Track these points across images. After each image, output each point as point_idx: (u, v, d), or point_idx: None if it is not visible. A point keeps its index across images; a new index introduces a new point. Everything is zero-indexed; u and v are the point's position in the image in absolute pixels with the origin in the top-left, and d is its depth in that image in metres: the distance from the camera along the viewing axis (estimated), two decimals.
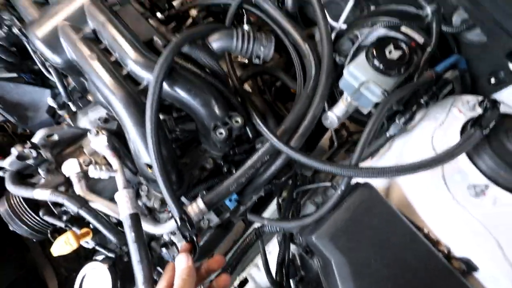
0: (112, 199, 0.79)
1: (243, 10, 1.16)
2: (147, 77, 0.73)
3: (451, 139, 0.71)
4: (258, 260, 0.96)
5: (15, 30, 0.92)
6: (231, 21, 1.12)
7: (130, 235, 0.62)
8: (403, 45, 0.78)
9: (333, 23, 1.15)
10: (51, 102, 1.09)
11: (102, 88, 0.73)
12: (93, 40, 0.79)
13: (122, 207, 0.65)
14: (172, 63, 0.71)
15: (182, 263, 0.61)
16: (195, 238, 0.65)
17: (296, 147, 0.83)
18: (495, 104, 0.67)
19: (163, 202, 0.88)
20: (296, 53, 1.08)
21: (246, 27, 1.10)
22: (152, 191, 0.89)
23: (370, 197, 0.65)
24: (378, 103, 0.80)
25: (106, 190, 0.86)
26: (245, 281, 1.10)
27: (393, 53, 0.77)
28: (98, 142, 0.79)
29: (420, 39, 0.86)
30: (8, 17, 0.90)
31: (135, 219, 0.65)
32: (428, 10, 0.81)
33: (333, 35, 1.14)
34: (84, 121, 1.07)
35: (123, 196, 0.68)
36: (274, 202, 1.24)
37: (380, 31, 0.88)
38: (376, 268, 0.60)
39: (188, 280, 0.58)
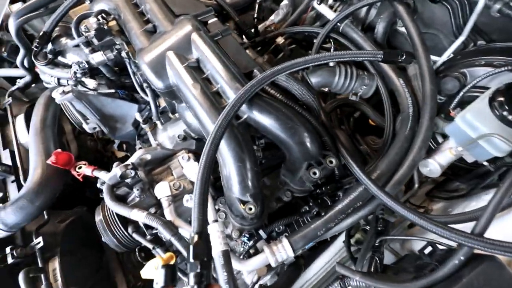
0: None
1: (330, 40, 1.14)
2: (247, 111, 0.73)
3: None
4: None
5: (124, 54, 1.00)
6: (319, 48, 1.10)
7: (222, 274, 0.61)
8: None
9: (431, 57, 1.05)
10: (138, 116, 1.17)
11: (202, 118, 0.74)
12: (196, 69, 0.82)
13: (214, 242, 0.65)
14: (264, 97, 0.70)
15: None
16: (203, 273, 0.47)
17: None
18: None
19: (241, 232, 0.87)
20: (384, 87, 1.01)
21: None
22: (230, 219, 0.88)
23: (500, 276, 0.55)
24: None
25: (186, 212, 0.87)
26: None
27: None
28: (189, 168, 0.81)
29: None
30: (119, 42, 0.99)
31: (227, 256, 0.63)
32: None
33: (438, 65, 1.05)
34: (163, 136, 1.11)
35: (214, 230, 0.67)
36: (338, 242, 1.16)
37: (501, 75, 0.78)
38: None
39: None
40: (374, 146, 1.09)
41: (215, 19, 0.92)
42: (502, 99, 0.68)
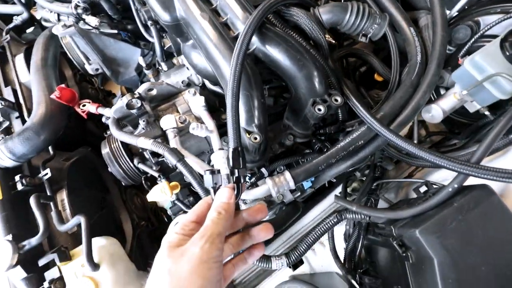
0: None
1: None
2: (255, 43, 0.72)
3: None
4: (323, 238, 0.93)
5: None
6: None
7: None
8: None
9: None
10: (141, 61, 1.15)
11: (210, 50, 0.73)
12: (205, 0, 0.79)
13: (220, 167, 0.67)
14: (274, 29, 0.69)
15: (222, 196, 0.52)
16: (242, 180, 0.56)
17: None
18: None
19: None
20: (393, 37, 0.99)
21: None
22: None
23: (489, 202, 0.59)
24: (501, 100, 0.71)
25: (191, 149, 0.89)
26: (300, 262, 1.10)
27: None
28: (195, 102, 0.81)
29: None
30: None
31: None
32: None
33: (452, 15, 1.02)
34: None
35: (219, 157, 0.69)
36: (335, 192, 1.21)
37: (505, 25, 0.76)
38: (484, 277, 0.55)
39: (224, 217, 0.48)
40: (378, 99, 1.10)
41: None
42: None
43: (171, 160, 0.71)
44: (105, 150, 0.85)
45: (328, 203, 1.21)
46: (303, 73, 0.73)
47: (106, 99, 1.66)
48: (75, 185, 1.06)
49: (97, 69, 1.18)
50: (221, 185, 0.57)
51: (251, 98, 0.70)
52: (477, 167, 0.57)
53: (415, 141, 1.18)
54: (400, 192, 1.06)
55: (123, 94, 1.24)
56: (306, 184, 0.93)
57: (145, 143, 0.74)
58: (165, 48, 1.05)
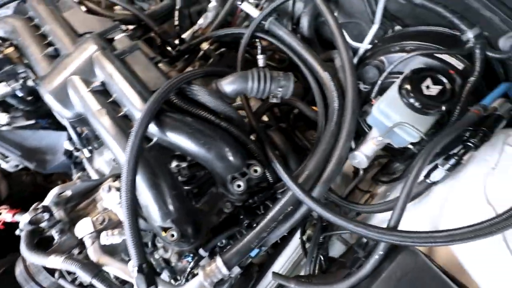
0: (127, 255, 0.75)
1: (257, 39, 1.11)
2: (155, 133, 0.69)
3: (509, 188, 0.60)
4: None
5: (30, 82, 0.91)
6: (244, 51, 1.06)
7: None
8: (443, 79, 0.68)
9: (355, 44, 1.06)
10: (67, 145, 1.09)
11: (111, 146, 0.69)
12: (103, 93, 0.76)
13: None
14: (173, 115, 0.66)
15: None
16: None
17: (320, 195, 0.75)
18: None
19: (180, 255, 0.83)
20: (315, 81, 1.00)
21: (261, 61, 1.04)
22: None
23: (416, 265, 0.56)
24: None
25: (119, 247, 0.82)
26: None
27: (431, 89, 0.68)
28: (110, 199, 0.75)
29: (459, 65, 0.75)
30: (23, 69, 0.90)
31: None
32: (470, 34, 0.70)
33: (355, 59, 1.06)
34: (99, 161, 1.04)
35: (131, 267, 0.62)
36: (296, 238, 1.16)
37: (413, 59, 0.78)
38: None
39: None
40: (313, 141, 1.09)
41: (123, 34, 0.86)
42: (408, 86, 0.69)
43: (85, 278, 0.64)
44: (18, 270, 0.76)
45: (291, 250, 1.15)
46: (212, 155, 0.69)
47: (46, 180, 1.55)
48: None
49: (17, 165, 1.10)
50: None
51: (160, 193, 0.65)
52: (395, 234, 0.55)
53: (361, 169, 1.16)
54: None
55: None
56: (253, 252, 0.88)
57: (56, 262, 0.67)
58: (84, 134, 0.99)
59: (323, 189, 0.76)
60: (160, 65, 0.85)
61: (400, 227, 0.65)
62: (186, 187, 0.83)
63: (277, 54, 1.35)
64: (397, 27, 0.99)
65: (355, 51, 1.04)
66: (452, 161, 0.64)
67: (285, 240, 1.21)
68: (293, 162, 0.91)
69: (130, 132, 0.64)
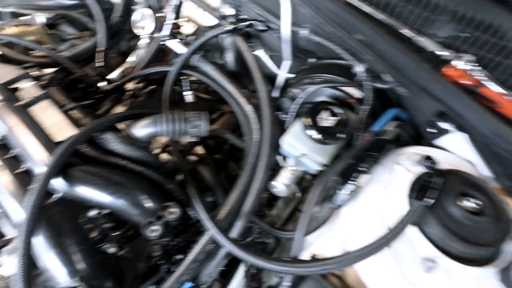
0: None
1: (184, 76, 1.14)
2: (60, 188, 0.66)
3: (398, 207, 0.66)
4: None
5: None
6: (171, 89, 1.08)
7: None
8: (338, 110, 0.75)
9: (277, 72, 1.13)
10: None
11: (6, 207, 0.65)
12: (2, 148, 0.72)
13: None
14: (81, 166, 0.65)
15: None
16: None
17: (241, 230, 0.77)
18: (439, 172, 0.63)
19: None
20: (242, 113, 1.04)
21: (189, 97, 1.07)
22: None
23: None
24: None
25: None
26: None
27: (328, 120, 0.74)
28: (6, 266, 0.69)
29: (360, 94, 0.83)
30: None
31: None
32: (358, 69, 0.79)
33: (277, 91, 1.13)
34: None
35: None
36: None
37: (322, 90, 0.86)
38: None
39: None
40: None
41: (31, 83, 0.83)
42: (308, 120, 0.75)
43: None
44: None
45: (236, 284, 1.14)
46: (123, 203, 0.68)
47: None
48: None
49: None
50: None
51: (64, 251, 0.62)
52: (295, 266, 0.57)
53: (298, 193, 1.20)
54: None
55: None
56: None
57: None
58: None
59: (243, 223, 0.77)
60: (74, 111, 0.83)
61: (319, 252, 0.68)
62: (113, 234, 0.80)
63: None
64: (311, 60, 1.08)
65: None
66: (350, 186, 0.70)
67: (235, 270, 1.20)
68: (220, 197, 0.92)
69: (27, 190, 0.61)
